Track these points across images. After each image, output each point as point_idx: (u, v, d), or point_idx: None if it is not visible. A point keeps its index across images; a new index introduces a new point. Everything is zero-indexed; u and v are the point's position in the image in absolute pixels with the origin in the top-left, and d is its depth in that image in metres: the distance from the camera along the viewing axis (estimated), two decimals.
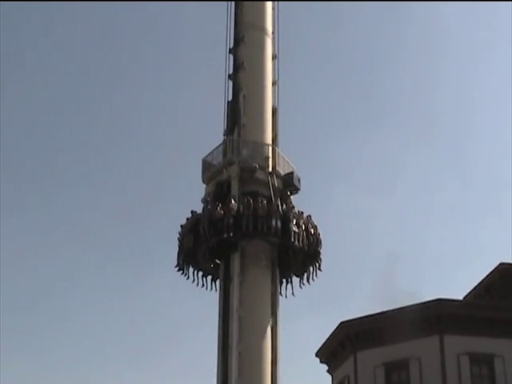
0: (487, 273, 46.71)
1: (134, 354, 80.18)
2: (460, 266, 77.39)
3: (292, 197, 37.32)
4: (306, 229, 36.08)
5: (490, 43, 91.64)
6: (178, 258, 36.81)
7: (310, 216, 36.73)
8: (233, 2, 40.75)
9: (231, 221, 34.53)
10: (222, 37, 40.39)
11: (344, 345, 43.86)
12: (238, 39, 39.69)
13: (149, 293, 79.04)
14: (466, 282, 62.67)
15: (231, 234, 34.67)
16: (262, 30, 39.96)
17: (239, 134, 37.37)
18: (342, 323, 43.33)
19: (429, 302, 40.72)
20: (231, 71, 39.33)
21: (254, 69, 38.88)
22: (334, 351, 45.45)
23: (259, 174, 36.47)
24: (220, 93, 39.24)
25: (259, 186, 36.28)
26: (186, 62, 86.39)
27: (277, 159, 37.37)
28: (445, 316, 40.41)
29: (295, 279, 37.06)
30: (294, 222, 35.48)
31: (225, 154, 37.23)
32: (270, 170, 36.77)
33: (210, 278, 37.27)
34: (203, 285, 36.99)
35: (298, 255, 36.19)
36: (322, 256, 36.77)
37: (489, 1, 79.35)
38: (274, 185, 36.26)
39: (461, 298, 46.84)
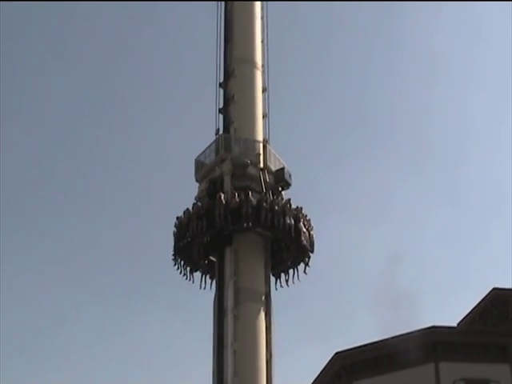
0: (481, 298, 46.82)
1: None
2: (453, 291, 77.44)
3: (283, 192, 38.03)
4: (298, 220, 36.73)
5: (482, 69, 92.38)
6: (173, 254, 37.41)
7: (301, 208, 37.36)
8: (222, 36, 41.32)
9: (223, 212, 35.25)
10: (211, 71, 41.06)
11: (340, 376, 43.74)
12: (228, 73, 40.30)
13: (143, 330, 78.79)
14: (459, 308, 62.75)
15: (224, 226, 35.36)
16: (251, 63, 40.52)
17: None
18: (336, 354, 43.28)
19: (423, 329, 40.74)
20: (221, 105, 39.91)
21: (244, 102, 39.51)
22: (330, 383, 45.38)
23: (251, 170, 37.40)
24: (211, 127, 39.78)
25: (251, 182, 37.14)
26: (176, 97, 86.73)
27: (268, 156, 38.28)
28: (440, 343, 40.42)
29: (285, 277, 38.08)
30: (286, 214, 36.17)
31: (217, 152, 37.99)
32: (262, 166, 37.64)
33: (205, 275, 38.02)
34: (197, 283, 37.83)
35: (291, 247, 36.92)
36: (313, 238, 37.49)
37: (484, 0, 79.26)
38: (265, 180, 37.11)
39: (455, 324, 46.90)
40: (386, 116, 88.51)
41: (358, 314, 71.12)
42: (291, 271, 38.09)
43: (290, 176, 38.02)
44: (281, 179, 37.70)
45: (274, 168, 38.15)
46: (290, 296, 67.57)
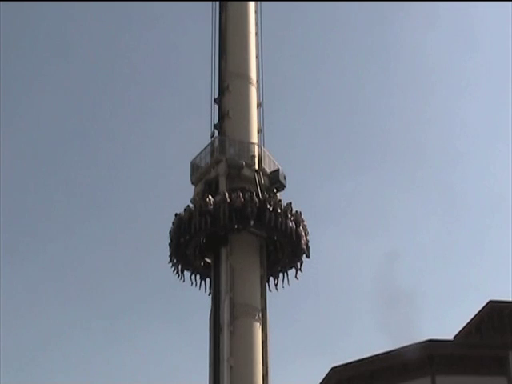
0: (477, 311, 46.85)
1: None
2: (450, 304, 77.40)
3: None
4: (298, 224, 37.09)
5: (477, 80, 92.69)
6: (170, 253, 37.61)
7: (300, 212, 37.68)
8: (217, 52, 41.43)
9: (227, 210, 35.55)
10: (206, 86, 41.19)
11: None
12: (222, 89, 40.33)
13: (140, 345, 78.66)
14: (456, 321, 62.71)
15: (228, 224, 35.62)
16: (246, 78, 40.61)
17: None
18: (333, 368, 43.26)
19: (420, 343, 40.80)
20: (216, 120, 40.01)
21: (239, 118, 39.57)
22: None
23: (246, 171, 37.66)
24: (206, 142, 39.86)
25: (246, 183, 37.39)
26: (170, 113, 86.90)
27: (263, 158, 38.55)
28: (436, 356, 40.47)
29: (282, 277, 38.33)
30: (274, 211, 36.42)
31: (212, 153, 38.32)
32: (257, 167, 37.91)
33: (199, 277, 38.32)
34: (195, 283, 38.08)
35: (286, 249, 37.23)
36: (309, 244, 37.74)
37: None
38: (260, 181, 37.40)
39: (451, 337, 46.93)
40: (381, 128, 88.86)
41: (354, 327, 71.22)
42: (282, 275, 38.48)
43: (284, 178, 38.30)
44: (276, 181, 37.97)
45: (268, 170, 38.46)
46: (286, 310, 68.01)
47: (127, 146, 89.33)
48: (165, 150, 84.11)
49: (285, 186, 38.18)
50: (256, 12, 42.22)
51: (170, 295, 75.12)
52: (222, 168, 37.29)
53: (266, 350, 35.05)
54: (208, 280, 37.94)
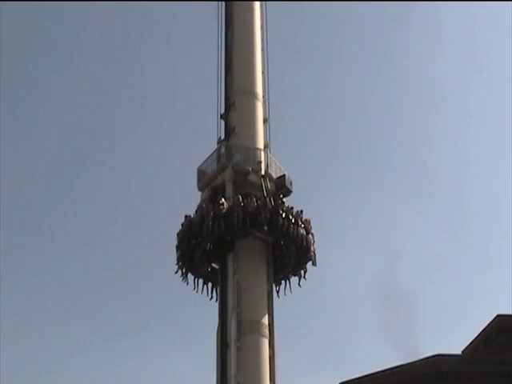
0: (485, 325, 46.66)
1: None
2: (458, 318, 77.23)
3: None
4: (298, 223, 37.30)
5: (482, 98, 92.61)
6: (177, 262, 37.80)
7: (309, 220, 38.01)
8: (223, 68, 41.54)
9: (241, 214, 35.96)
10: (213, 102, 41.22)
11: None
12: (228, 105, 40.46)
13: (147, 363, 78.38)
14: (464, 335, 62.59)
15: (242, 228, 35.95)
16: (252, 94, 40.70)
17: None
18: None
19: (427, 358, 40.64)
20: (223, 136, 40.09)
21: (245, 134, 39.64)
22: None
23: (252, 177, 37.90)
24: (213, 158, 39.86)
25: (253, 189, 37.60)
26: (177, 128, 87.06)
27: (269, 164, 38.79)
28: (444, 372, 40.29)
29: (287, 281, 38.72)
30: (286, 217, 36.75)
31: (219, 159, 38.60)
32: (263, 173, 38.09)
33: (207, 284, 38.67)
34: (197, 287, 38.37)
35: (293, 253, 37.40)
36: (315, 252, 38.02)
37: None
38: (266, 187, 37.57)
39: (459, 351, 46.73)
40: (388, 146, 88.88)
41: (362, 342, 71.03)
42: (285, 283, 38.88)
43: (290, 183, 38.56)
44: (282, 186, 38.19)
45: (274, 175, 38.67)
46: (293, 325, 67.90)
47: (132, 155, 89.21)
48: (172, 159, 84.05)
49: (291, 192, 38.43)
50: (262, 27, 42.39)
51: (175, 312, 75.28)
52: (228, 174, 37.62)
53: (274, 366, 34.94)
54: (211, 285, 38.32)
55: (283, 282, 38.50)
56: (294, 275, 38.35)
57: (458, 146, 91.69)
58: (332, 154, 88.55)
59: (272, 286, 37.04)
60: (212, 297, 38.14)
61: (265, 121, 40.66)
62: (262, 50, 42.07)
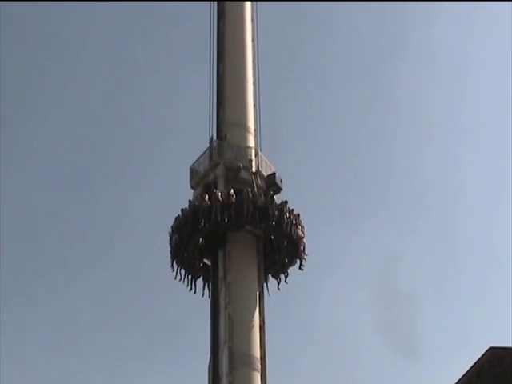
0: (478, 357, 46.53)
1: None
2: (450, 350, 76.91)
3: None
4: (289, 218, 38.05)
5: (476, 125, 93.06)
6: (170, 256, 38.60)
7: (298, 214, 38.63)
8: (215, 101, 41.87)
9: (251, 208, 36.93)
10: (204, 135, 41.41)
11: None
12: (220, 137, 40.65)
13: None
14: (456, 368, 62.43)
15: (251, 222, 37.02)
16: (243, 127, 41.02)
17: None
18: None
19: None
20: None
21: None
22: None
23: (243, 174, 38.80)
24: (205, 156, 40.52)
25: (244, 185, 38.32)
26: (170, 161, 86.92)
27: (260, 163, 39.72)
28: None
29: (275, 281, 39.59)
30: (277, 212, 37.57)
31: (211, 157, 39.55)
32: (254, 170, 39.02)
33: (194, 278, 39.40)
34: (193, 289, 39.12)
35: (282, 245, 38.18)
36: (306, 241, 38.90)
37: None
38: (257, 184, 38.53)
39: None
40: (381, 176, 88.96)
41: (356, 374, 70.73)
42: (280, 277, 39.71)
43: (281, 181, 39.45)
44: (272, 183, 39.05)
45: (265, 173, 39.61)
46: (285, 359, 67.54)
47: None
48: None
49: (281, 189, 39.28)
50: (254, 61, 42.70)
51: (167, 343, 74.79)
52: (220, 170, 38.44)
53: None
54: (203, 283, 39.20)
55: (275, 278, 39.44)
56: (295, 256, 39.00)
57: (452, 176, 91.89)
58: (325, 186, 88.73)
59: (264, 318, 37.03)
60: (196, 292, 39.13)
61: (256, 154, 40.85)
62: (254, 83, 42.40)
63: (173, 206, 40.26)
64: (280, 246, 38.34)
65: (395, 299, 72.73)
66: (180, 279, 38.80)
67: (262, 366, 35.49)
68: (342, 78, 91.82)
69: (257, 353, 35.60)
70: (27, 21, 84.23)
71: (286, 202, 38.48)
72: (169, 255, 39.00)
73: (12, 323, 76.62)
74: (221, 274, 36.78)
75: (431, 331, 76.02)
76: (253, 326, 35.93)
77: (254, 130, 41.33)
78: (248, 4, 44.05)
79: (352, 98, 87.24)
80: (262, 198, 37.44)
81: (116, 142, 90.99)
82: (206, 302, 38.54)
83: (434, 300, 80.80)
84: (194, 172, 40.04)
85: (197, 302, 40.40)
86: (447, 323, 79.60)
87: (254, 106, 41.96)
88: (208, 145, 40.37)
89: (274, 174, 39.44)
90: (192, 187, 39.84)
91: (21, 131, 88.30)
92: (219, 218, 36.54)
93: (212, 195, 37.22)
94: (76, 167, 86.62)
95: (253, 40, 43.23)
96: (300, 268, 39.28)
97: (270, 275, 38.89)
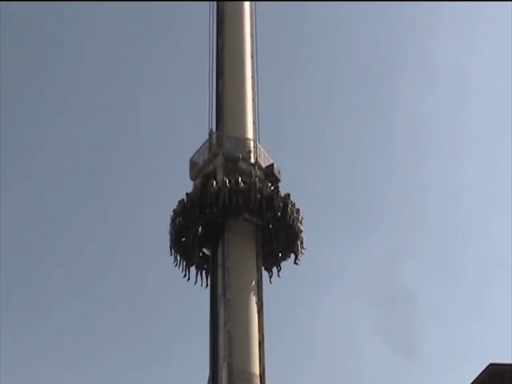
0: (477, 374, 46.42)
1: None
2: (450, 367, 76.67)
3: None
4: (291, 210, 38.58)
5: (473, 140, 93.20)
6: (170, 246, 38.99)
7: (289, 194, 39.12)
8: (214, 115, 41.86)
9: (258, 197, 37.57)
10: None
11: None
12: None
13: None
14: None
15: (259, 211, 37.51)
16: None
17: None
18: None
19: None
20: None
21: None
22: None
23: (242, 165, 39.25)
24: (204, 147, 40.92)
25: (242, 176, 38.68)
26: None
27: (258, 154, 40.20)
28: None
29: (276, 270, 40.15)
30: (281, 204, 38.19)
31: (210, 148, 40.03)
32: (253, 161, 39.45)
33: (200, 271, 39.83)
34: (187, 275, 39.50)
35: (281, 236, 38.60)
36: (303, 235, 39.41)
37: None
38: (256, 174, 38.95)
39: None
40: (380, 194, 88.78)
41: None
42: (277, 267, 40.26)
43: (279, 172, 39.93)
44: (271, 174, 39.48)
45: (263, 165, 40.07)
46: (285, 375, 67.33)
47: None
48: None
49: (279, 180, 39.70)
50: (253, 77, 42.80)
51: (165, 360, 74.60)
52: (219, 161, 38.88)
53: None
54: (203, 272, 39.51)
55: (273, 268, 39.83)
56: (294, 243, 39.37)
57: (453, 193, 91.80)
58: (323, 206, 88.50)
59: (263, 335, 36.81)
60: (202, 283, 39.37)
61: (255, 145, 41.00)
62: (253, 100, 42.48)
63: (172, 206, 40.66)
64: (279, 237, 38.83)
65: (396, 306, 72.98)
66: (176, 265, 39.15)
67: (261, 383, 35.29)
68: (341, 77, 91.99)
69: (256, 370, 35.40)
70: (27, 21, 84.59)
71: (289, 194, 38.94)
72: (170, 259, 39.50)
73: (12, 341, 76.60)
74: (220, 260, 37.13)
75: (431, 346, 75.97)
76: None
77: (253, 122, 41.74)
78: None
79: (352, 98, 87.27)
80: (269, 189, 38.03)
81: (116, 141, 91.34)
82: (206, 317, 38.38)
83: (433, 318, 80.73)
84: (193, 164, 40.53)
85: (196, 314, 40.49)
86: (447, 339, 79.48)
87: (254, 122, 42.01)
88: (207, 137, 40.70)
89: (272, 165, 39.95)
90: (192, 178, 40.31)
91: (21, 131, 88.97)
92: (227, 203, 36.81)
93: (219, 182, 37.74)
94: (76, 167, 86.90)
95: (251, 36, 43.71)
96: (295, 262, 39.65)
97: (262, 268, 39.10)
